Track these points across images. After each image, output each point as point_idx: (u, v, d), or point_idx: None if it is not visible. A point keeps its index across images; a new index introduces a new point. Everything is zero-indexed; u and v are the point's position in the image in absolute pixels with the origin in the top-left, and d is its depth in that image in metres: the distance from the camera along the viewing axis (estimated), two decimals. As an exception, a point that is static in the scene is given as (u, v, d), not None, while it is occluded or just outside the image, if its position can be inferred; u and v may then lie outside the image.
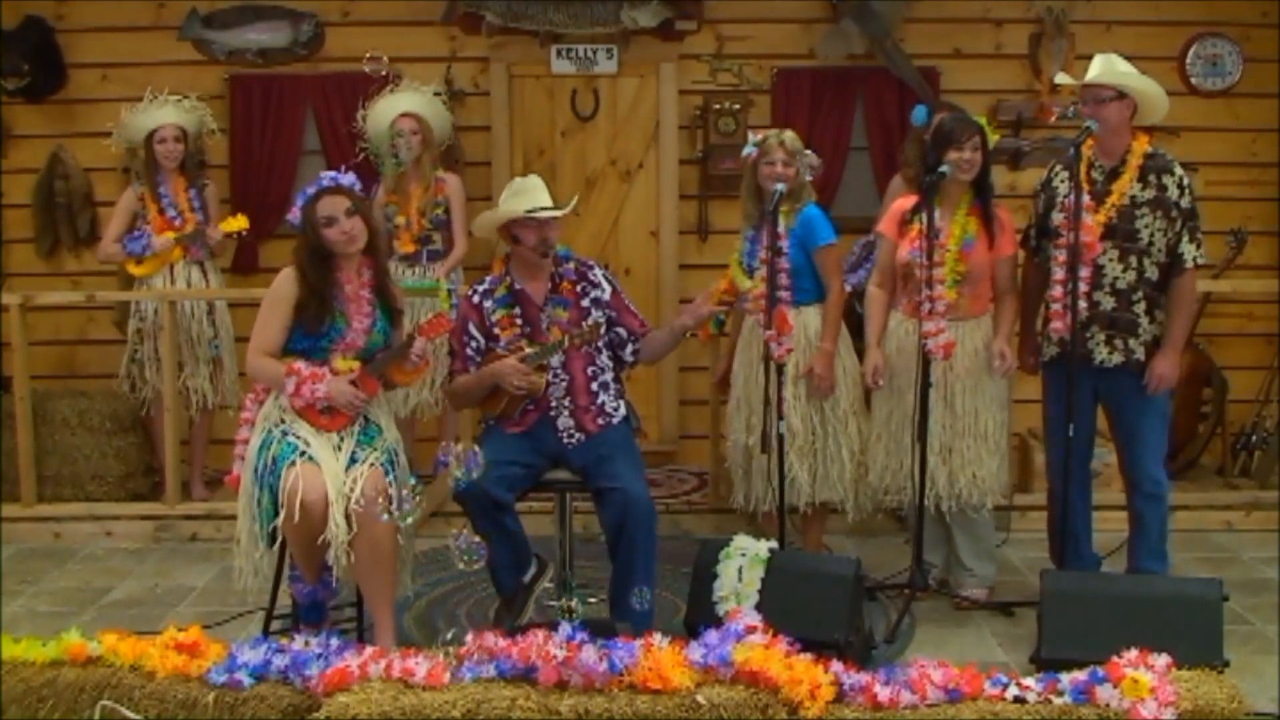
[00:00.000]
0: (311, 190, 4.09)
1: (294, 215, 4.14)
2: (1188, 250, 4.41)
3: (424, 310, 5.51)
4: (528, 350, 4.23)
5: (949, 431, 4.61)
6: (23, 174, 6.51)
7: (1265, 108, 6.46)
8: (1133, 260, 4.40)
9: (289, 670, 3.39)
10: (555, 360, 4.26)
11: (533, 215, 4.24)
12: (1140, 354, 4.45)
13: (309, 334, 4.04)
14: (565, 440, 4.28)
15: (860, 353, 4.91)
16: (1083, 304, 4.39)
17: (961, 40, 6.50)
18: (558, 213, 4.28)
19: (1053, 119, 6.31)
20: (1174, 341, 4.46)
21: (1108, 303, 4.44)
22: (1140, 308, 4.43)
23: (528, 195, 4.29)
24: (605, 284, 4.39)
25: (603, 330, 4.29)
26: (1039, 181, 4.72)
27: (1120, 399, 4.54)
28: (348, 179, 4.16)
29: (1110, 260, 4.41)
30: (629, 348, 4.41)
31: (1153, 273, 4.42)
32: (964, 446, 4.61)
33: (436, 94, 6.08)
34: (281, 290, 4.06)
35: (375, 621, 4.03)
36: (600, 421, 4.30)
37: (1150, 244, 4.39)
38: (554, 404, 4.28)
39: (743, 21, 6.50)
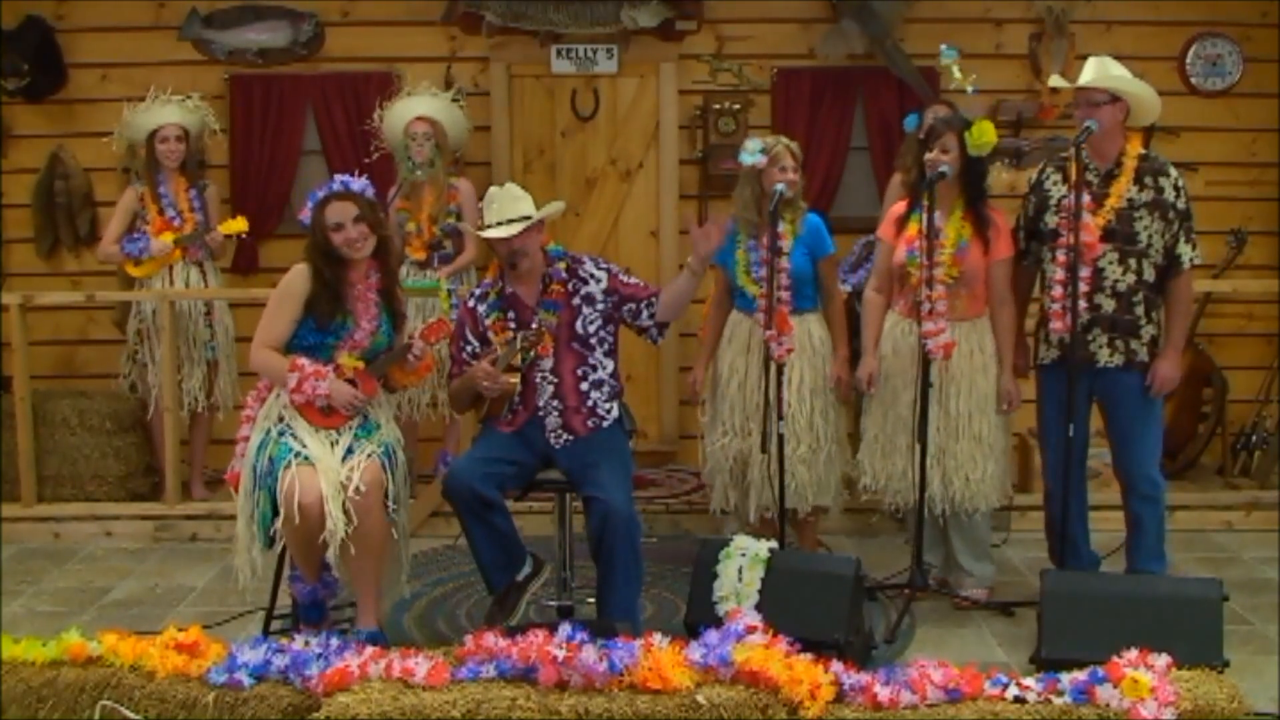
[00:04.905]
0: (321, 194, 4.10)
1: (304, 215, 4.15)
2: (1185, 251, 4.44)
3: (428, 311, 5.52)
4: (499, 352, 4.24)
5: (943, 434, 4.60)
6: (23, 174, 6.50)
7: (1265, 108, 6.46)
8: (1132, 262, 4.42)
9: (289, 670, 3.40)
10: (546, 362, 4.25)
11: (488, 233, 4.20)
12: (1141, 354, 4.47)
13: (319, 328, 4.06)
14: (553, 441, 4.27)
15: (857, 355, 4.92)
16: (1082, 305, 4.40)
17: (961, 40, 6.43)
18: (501, 233, 4.17)
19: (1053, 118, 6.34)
20: (1175, 343, 4.49)
21: (1109, 305, 4.45)
22: (1140, 309, 4.45)
23: (497, 206, 4.23)
24: (599, 272, 4.31)
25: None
26: (1028, 182, 4.73)
27: (1118, 400, 4.55)
28: (359, 184, 4.14)
29: (1110, 263, 4.43)
30: (644, 314, 4.31)
31: (1150, 274, 4.45)
32: (958, 449, 4.60)
33: (454, 99, 6.06)
34: (294, 285, 4.07)
35: (358, 602, 4.03)
36: (590, 424, 4.28)
37: (1149, 246, 4.42)
38: (543, 405, 4.27)
39: (743, 21, 6.50)
